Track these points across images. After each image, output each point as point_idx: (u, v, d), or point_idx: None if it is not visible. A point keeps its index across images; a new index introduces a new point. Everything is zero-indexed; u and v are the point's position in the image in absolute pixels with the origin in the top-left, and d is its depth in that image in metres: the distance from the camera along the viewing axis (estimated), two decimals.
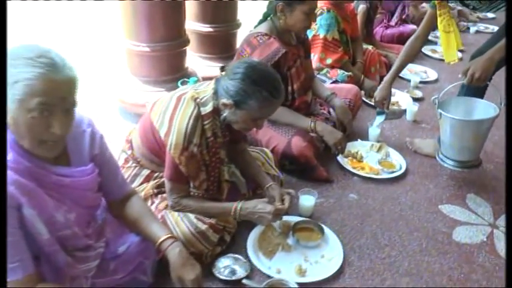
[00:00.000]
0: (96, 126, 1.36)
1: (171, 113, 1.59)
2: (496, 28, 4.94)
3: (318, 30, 2.97)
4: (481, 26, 5.38)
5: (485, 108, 2.21)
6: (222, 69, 1.64)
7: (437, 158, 2.34)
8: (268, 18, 2.27)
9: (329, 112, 2.48)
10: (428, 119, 3.00)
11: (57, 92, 1.06)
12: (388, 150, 2.51)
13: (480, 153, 2.33)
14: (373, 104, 3.07)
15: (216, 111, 1.62)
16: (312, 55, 2.99)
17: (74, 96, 1.12)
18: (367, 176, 2.29)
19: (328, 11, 2.96)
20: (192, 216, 1.63)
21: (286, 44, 2.29)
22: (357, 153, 2.44)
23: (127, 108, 2.35)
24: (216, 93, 1.61)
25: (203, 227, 1.61)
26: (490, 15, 5.70)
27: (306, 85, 2.45)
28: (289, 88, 2.29)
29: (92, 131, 1.33)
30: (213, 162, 1.69)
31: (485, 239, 1.97)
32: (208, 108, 1.61)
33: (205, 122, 1.60)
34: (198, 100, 1.61)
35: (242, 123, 1.63)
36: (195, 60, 2.66)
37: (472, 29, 5.15)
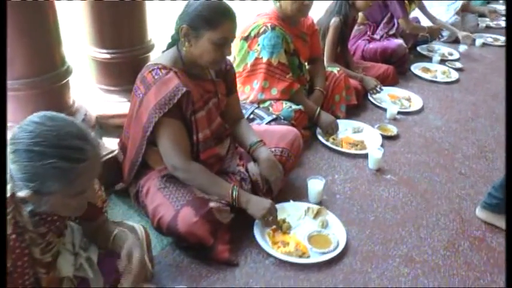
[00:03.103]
0: None
1: None
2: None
3: (260, 52, 2.38)
4: (489, 38, 4.52)
5: None
6: None
7: None
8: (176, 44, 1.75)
9: (247, 169, 1.89)
10: (397, 168, 2.37)
11: None
12: (327, 217, 1.92)
13: None
14: (329, 145, 2.49)
15: (19, 197, 1.13)
16: (255, 82, 2.44)
17: None
18: (285, 260, 1.72)
19: (273, 28, 2.36)
20: None
21: (196, 78, 1.75)
22: (284, 221, 1.86)
23: None
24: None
25: None
26: (503, 23, 4.90)
27: (222, 132, 1.89)
28: (194, 137, 1.75)
29: None
30: (20, 268, 1.18)
31: None
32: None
33: None
34: None
35: (62, 209, 1.16)
36: (96, 94, 2.10)
37: (478, 41, 4.37)
